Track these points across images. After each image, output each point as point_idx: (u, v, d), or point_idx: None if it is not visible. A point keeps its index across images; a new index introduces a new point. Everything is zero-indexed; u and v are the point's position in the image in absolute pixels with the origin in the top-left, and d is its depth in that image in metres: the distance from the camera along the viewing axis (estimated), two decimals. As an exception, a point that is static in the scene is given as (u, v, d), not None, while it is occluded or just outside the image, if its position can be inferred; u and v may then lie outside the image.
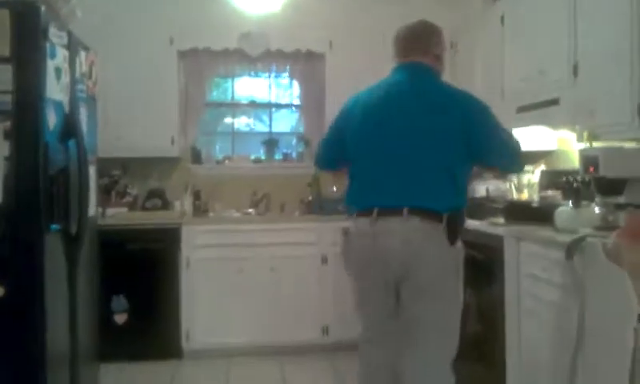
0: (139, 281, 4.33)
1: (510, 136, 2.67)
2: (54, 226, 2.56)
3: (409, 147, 2.49)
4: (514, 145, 2.63)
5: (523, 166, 2.65)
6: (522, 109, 3.66)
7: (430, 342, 2.54)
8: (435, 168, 2.48)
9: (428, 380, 2.54)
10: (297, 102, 5.34)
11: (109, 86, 3.96)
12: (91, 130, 3.15)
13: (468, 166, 2.57)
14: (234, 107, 5.36)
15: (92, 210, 3.17)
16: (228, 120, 5.38)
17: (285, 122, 5.49)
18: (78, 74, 2.87)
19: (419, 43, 2.68)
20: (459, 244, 2.55)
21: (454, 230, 2.48)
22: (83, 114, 2.97)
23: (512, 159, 2.63)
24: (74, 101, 2.75)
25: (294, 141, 5.38)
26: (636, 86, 2.72)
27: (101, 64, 3.46)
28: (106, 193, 4.79)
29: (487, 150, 2.53)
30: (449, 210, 2.47)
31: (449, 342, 2.59)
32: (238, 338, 4.40)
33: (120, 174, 4.83)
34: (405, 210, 2.43)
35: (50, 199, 2.54)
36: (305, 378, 4.12)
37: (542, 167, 4.09)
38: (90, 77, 3.11)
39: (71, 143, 2.71)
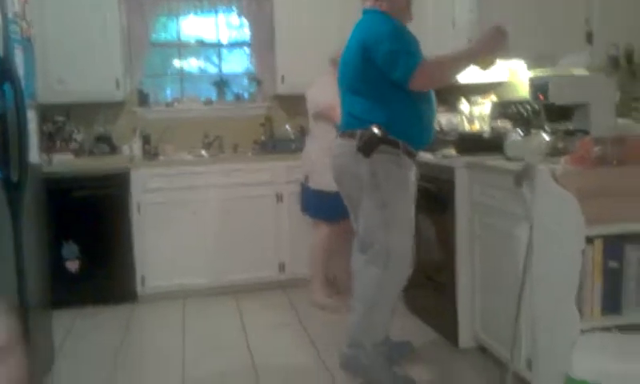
0: (90, 227, 4.26)
1: (402, 52, 2.72)
2: (-6, 174, 2.46)
3: (343, 82, 2.98)
4: (399, 57, 2.71)
5: (403, 78, 2.68)
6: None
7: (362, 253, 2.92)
8: (350, 93, 2.90)
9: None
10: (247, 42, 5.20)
11: (46, 27, 3.80)
12: (29, 73, 2.99)
13: (381, 84, 2.77)
14: (182, 47, 5.19)
15: (35, 156, 3.05)
16: (176, 62, 5.22)
17: (235, 63, 5.35)
18: (10, 15, 2.71)
19: None
20: (378, 156, 2.77)
21: (368, 144, 2.76)
22: (19, 57, 2.81)
23: (394, 71, 2.72)
24: (7, 43, 2.59)
25: (246, 81, 5.27)
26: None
27: (37, 4, 3.30)
28: (50, 140, 4.64)
29: (380, 63, 2.74)
30: (362, 126, 2.78)
31: (376, 256, 2.84)
32: (194, 280, 4.38)
33: (64, 119, 4.67)
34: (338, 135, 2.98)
35: (-13, 145, 2.42)
36: (262, 313, 4.15)
37: (493, 98, 4.11)
38: (24, 18, 2.94)
39: (7, 87, 2.57)
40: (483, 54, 2.75)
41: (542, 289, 2.53)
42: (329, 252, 4.29)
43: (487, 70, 2.85)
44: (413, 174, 2.92)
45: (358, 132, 2.81)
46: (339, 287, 4.42)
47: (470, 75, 3.14)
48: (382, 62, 2.73)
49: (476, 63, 2.79)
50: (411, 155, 2.87)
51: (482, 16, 3.54)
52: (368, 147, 2.77)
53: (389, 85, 2.76)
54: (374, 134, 2.76)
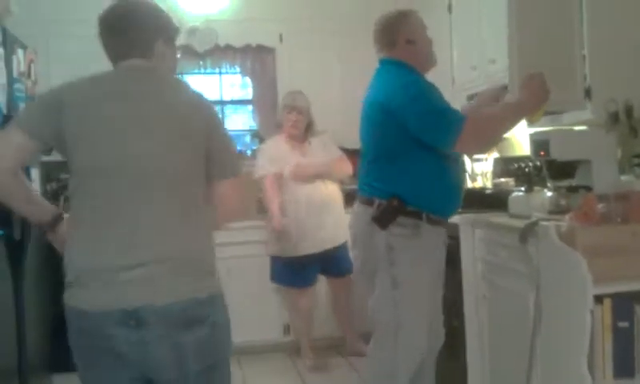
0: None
1: (439, 112, 2.53)
2: (-2, 233, 2.45)
3: (361, 143, 2.79)
4: (441, 118, 2.52)
5: (450, 140, 2.47)
6: (473, 97, 3.66)
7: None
8: (368, 156, 2.70)
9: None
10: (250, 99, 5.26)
11: (51, 86, 3.81)
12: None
13: (401, 149, 2.57)
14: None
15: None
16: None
17: (238, 121, 5.40)
18: (15, 74, 2.75)
19: (382, 37, 2.75)
20: (396, 229, 2.56)
21: (385, 214, 2.56)
22: (23, 115, 2.84)
23: (436, 134, 2.53)
24: (11, 102, 2.63)
25: (248, 138, 5.30)
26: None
27: (42, 64, 3.34)
28: (54, 199, 4.63)
29: (416, 128, 2.52)
30: (380, 194, 2.59)
31: (384, 338, 2.66)
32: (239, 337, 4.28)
33: (68, 177, 4.67)
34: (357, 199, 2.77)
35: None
36: (265, 379, 4.07)
37: (495, 155, 4.11)
38: (29, 76, 2.99)
39: (11, 145, 2.58)
40: (533, 104, 2.55)
41: (551, 351, 2.48)
42: (307, 316, 4.26)
43: (535, 123, 2.76)
44: (439, 244, 2.70)
45: (376, 201, 2.61)
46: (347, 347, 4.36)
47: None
48: (418, 126, 2.51)
49: (525, 116, 2.60)
50: (438, 223, 2.65)
51: (482, 73, 3.62)
52: (384, 218, 2.57)
53: (411, 148, 2.57)
54: (393, 205, 2.57)
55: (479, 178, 4.14)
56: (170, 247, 1.72)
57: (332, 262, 4.17)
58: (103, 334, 1.68)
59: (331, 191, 4.18)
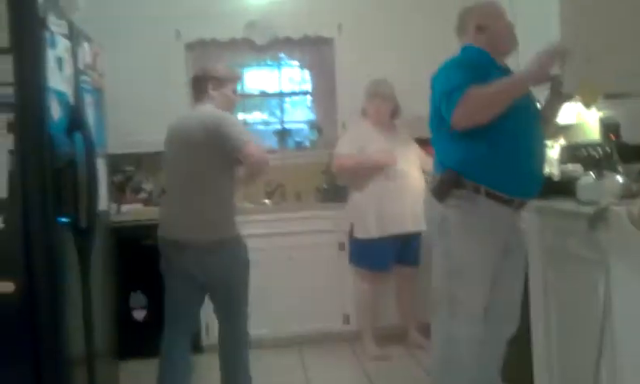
0: (157, 276, 4.27)
1: (445, 90, 2.54)
2: (63, 219, 2.51)
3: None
4: (447, 96, 2.51)
5: (449, 114, 2.48)
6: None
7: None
8: (433, 136, 2.73)
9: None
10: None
11: (118, 80, 3.91)
12: (99, 123, 3.10)
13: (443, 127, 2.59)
14: (245, 99, 5.28)
15: (103, 204, 3.13)
16: (240, 116, 5.30)
17: (297, 113, 5.42)
18: (81, 66, 2.82)
19: (457, 26, 2.81)
20: (452, 201, 2.57)
21: (441, 187, 2.58)
22: (90, 107, 2.92)
23: (445, 111, 2.53)
24: (78, 92, 2.70)
25: (307, 129, 5.31)
26: None
27: (110, 59, 3.42)
28: (120, 190, 4.77)
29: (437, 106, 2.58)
30: (441, 169, 2.62)
31: (441, 311, 2.65)
32: (257, 330, 4.29)
33: (133, 170, 4.81)
34: None
35: (58, 192, 2.49)
36: (326, 368, 4.06)
37: (562, 141, 3.98)
38: (95, 69, 3.06)
39: (77, 135, 2.66)
40: (534, 75, 2.52)
41: (623, 341, 2.39)
42: (374, 302, 4.27)
43: (591, 106, 2.65)
44: (503, 224, 2.64)
45: (437, 175, 2.67)
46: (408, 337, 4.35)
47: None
48: (437, 105, 2.59)
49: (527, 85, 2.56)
50: (504, 202, 2.58)
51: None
52: (440, 190, 2.60)
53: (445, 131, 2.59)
54: (448, 176, 2.59)
55: (545, 166, 4.00)
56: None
57: (408, 249, 4.19)
58: None
59: (415, 175, 4.19)
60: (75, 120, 2.66)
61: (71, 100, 2.66)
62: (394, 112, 4.30)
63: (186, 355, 3.23)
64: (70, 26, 2.74)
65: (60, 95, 2.58)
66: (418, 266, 4.23)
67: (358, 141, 4.21)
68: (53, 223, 2.45)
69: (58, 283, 2.49)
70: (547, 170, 3.94)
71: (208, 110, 3.08)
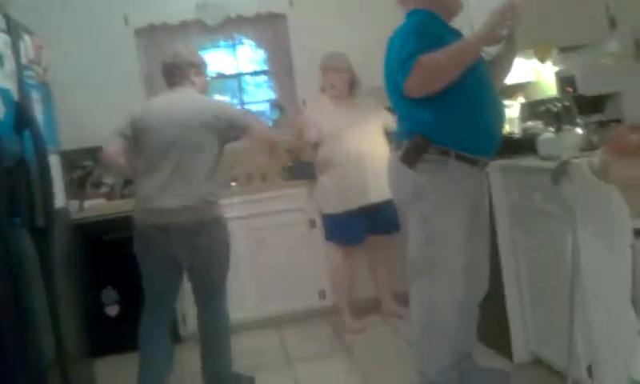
0: (127, 270, 4.17)
1: (399, 59, 2.52)
2: (17, 220, 2.43)
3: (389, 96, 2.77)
4: (400, 66, 2.49)
5: (403, 84, 2.48)
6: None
7: None
8: (394, 106, 2.76)
9: None
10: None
11: (65, 73, 3.80)
12: (48, 118, 2.99)
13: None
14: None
15: (61, 201, 3.03)
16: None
17: (258, 94, 5.34)
18: (24, 61, 2.71)
19: None
20: (422, 165, 2.56)
21: (411, 152, 2.57)
22: (37, 103, 2.82)
23: (400, 80, 2.52)
24: (22, 88, 2.60)
25: (268, 109, 5.24)
26: None
27: (54, 51, 3.31)
28: (81, 186, 4.67)
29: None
30: (407, 137, 2.59)
31: (421, 275, 2.69)
32: (234, 314, 4.22)
33: (92, 164, 4.69)
34: None
35: (10, 192, 2.40)
36: (306, 344, 4.06)
37: (521, 100, 3.99)
38: (39, 63, 2.95)
39: (26, 133, 2.56)
40: (486, 31, 2.48)
41: (593, 291, 2.40)
42: (348, 276, 4.26)
43: (546, 60, 2.63)
44: (471, 183, 2.66)
45: (404, 142, 2.62)
46: (384, 310, 4.36)
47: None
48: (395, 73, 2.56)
49: (480, 46, 2.53)
50: (471, 163, 2.61)
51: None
52: (411, 156, 2.58)
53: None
54: (417, 142, 2.57)
55: (505, 125, 4.01)
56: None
57: (380, 218, 4.16)
58: None
59: (378, 146, 4.12)
60: (22, 117, 2.55)
61: (16, 96, 2.56)
62: (352, 84, 4.22)
63: (166, 344, 3.31)
64: (7, 19, 2.62)
65: (3, 92, 2.47)
66: (390, 235, 4.22)
67: (316, 112, 4.18)
68: (7, 224, 2.36)
69: (18, 286, 2.40)
70: (508, 128, 3.96)
71: (199, 96, 3.27)
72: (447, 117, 2.54)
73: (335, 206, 4.13)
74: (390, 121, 4.10)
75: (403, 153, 2.60)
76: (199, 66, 3.34)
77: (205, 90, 3.39)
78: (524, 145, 3.07)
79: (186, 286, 3.87)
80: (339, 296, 4.32)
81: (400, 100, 2.61)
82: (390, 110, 3.99)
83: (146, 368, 3.27)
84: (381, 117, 4.21)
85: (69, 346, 2.89)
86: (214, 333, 3.29)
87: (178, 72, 3.26)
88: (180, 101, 3.21)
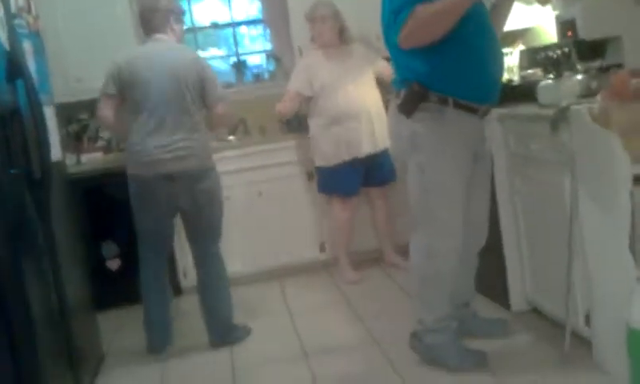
0: (127, 223, 4.18)
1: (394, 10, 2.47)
2: (14, 170, 2.41)
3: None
4: (394, 16, 2.45)
5: (396, 37, 2.45)
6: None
7: None
8: (390, 52, 2.66)
9: None
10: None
11: (57, 23, 3.74)
12: (41, 68, 2.94)
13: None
14: (196, 32, 5.12)
15: (57, 154, 3.01)
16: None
17: (252, 44, 5.29)
18: (13, 8, 2.65)
19: None
20: (420, 114, 2.53)
21: (408, 101, 2.54)
22: (29, 52, 2.77)
23: (394, 32, 2.48)
24: (13, 37, 2.55)
25: (264, 60, 5.18)
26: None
27: (46, 3, 3.26)
28: (77, 139, 4.65)
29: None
30: (405, 85, 2.56)
31: (419, 225, 2.70)
32: (234, 267, 4.27)
33: (88, 118, 4.65)
34: None
35: (5, 143, 2.37)
36: (306, 295, 4.09)
37: (521, 47, 3.94)
38: (30, 11, 2.90)
39: (19, 82, 2.53)
40: None
41: (591, 239, 2.41)
42: (347, 228, 4.25)
43: (547, 3, 2.60)
44: (471, 134, 2.62)
45: (401, 91, 2.58)
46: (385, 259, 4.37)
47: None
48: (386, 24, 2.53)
49: None
50: (471, 111, 2.56)
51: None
52: (408, 105, 2.54)
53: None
54: (415, 90, 2.52)
55: (505, 72, 3.96)
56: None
57: (373, 170, 4.15)
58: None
59: (371, 97, 4.10)
60: (14, 66, 2.50)
61: (6, 46, 2.51)
62: (341, 32, 4.13)
63: (168, 292, 3.47)
64: (-5, -34, 2.56)
65: (-7, 42, 2.43)
66: (387, 185, 4.22)
67: (307, 71, 4.11)
68: (4, 175, 2.34)
69: (16, 239, 2.40)
70: (507, 76, 3.92)
71: (182, 47, 3.35)
72: (444, 64, 2.49)
73: (327, 159, 4.12)
74: (383, 68, 4.07)
75: (401, 101, 2.57)
76: (178, 14, 3.35)
77: (181, 38, 3.40)
78: (523, 93, 3.03)
79: (183, 238, 3.89)
80: (338, 248, 4.33)
81: (396, 48, 2.56)
82: (388, 59, 3.95)
83: (151, 318, 3.35)
84: (373, 65, 4.14)
85: (71, 298, 2.90)
86: (215, 278, 3.37)
87: (158, 18, 3.24)
88: (165, 51, 3.23)
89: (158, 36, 3.26)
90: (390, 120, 2.77)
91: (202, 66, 3.26)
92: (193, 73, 3.18)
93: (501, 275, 3.16)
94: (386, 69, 3.96)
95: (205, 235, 3.37)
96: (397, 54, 2.61)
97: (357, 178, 4.16)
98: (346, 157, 4.06)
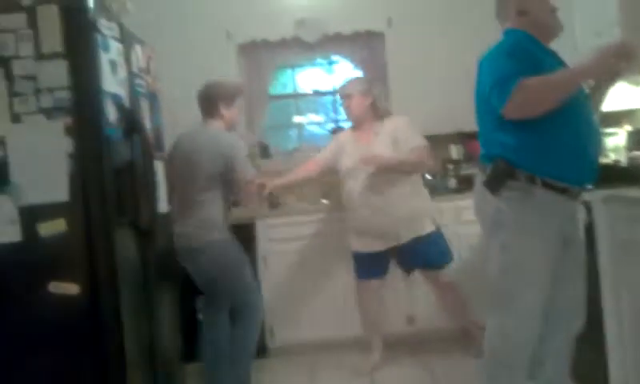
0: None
1: (496, 81, 2.45)
2: (123, 219, 2.53)
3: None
4: (499, 85, 2.43)
5: (502, 106, 2.42)
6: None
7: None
8: (480, 126, 2.66)
9: None
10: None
11: (172, 83, 3.93)
12: (156, 126, 3.13)
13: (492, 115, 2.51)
14: (298, 98, 5.28)
15: (164, 206, 3.14)
16: (296, 119, 5.32)
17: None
18: (135, 69, 2.84)
19: (497, 12, 2.75)
20: (507, 192, 2.47)
21: (495, 178, 2.49)
22: (145, 110, 2.95)
23: (497, 101, 2.45)
24: (133, 95, 2.73)
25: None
26: None
27: (162, 62, 3.45)
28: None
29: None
30: (491, 160, 2.52)
31: (495, 305, 2.58)
32: (323, 332, 4.25)
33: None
34: None
35: (118, 194, 2.51)
36: (392, 371, 3.93)
37: (627, 127, 3.82)
38: (149, 72, 3.09)
39: (135, 138, 2.68)
40: (595, 70, 2.40)
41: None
42: (373, 310, 4.09)
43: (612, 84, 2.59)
44: (560, 216, 2.51)
45: (487, 166, 2.54)
46: None
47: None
48: (488, 94, 2.49)
49: (585, 80, 2.47)
50: (560, 191, 2.46)
51: (608, 39, 3.35)
52: (493, 181, 2.49)
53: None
54: (500, 167, 2.48)
55: (610, 154, 3.85)
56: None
57: (403, 255, 3.93)
58: None
59: (395, 178, 3.80)
60: (131, 122, 2.68)
61: (127, 103, 2.68)
62: (374, 108, 3.94)
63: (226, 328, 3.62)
64: (121, 28, 2.76)
65: (115, 98, 2.61)
66: (436, 268, 3.89)
67: (336, 146, 4.04)
68: (114, 225, 2.47)
69: (120, 285, 2.50)
70: (613, 156, 3.80)
71: (221, 133, 3.41)
72: (535, 141, 2.44)
73: (356, 246, 3.97)
74: (412, 151, 3.79)
75: (487, 178, 2.52)
76: (229, 100, 3.45)
77: (234, 122, 3.52)
78: (631, 175, 2.92)
79: (270, 299, 3.91)
80: (366, 330, 4.15)
81: (487, 122, 2.55)
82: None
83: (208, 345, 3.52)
84: (399, 143, 3.83)
85: (162, 346, 2.97)
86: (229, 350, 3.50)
87: (207, 104, 3.43)
88: (199, 138, 3.38)
89: (209, 120, 3.43)
90: (476, 196, 2.68)
91: (229, 150, 3.31)
92: (218, 156, 3.28)
93: (601, 366, 2.97)
94: (415, 152, 3.78)
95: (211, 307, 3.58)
96: (486, 128, 2.58)
97: (385, 262, 3.99)
98: (370, 249, 3.89)
